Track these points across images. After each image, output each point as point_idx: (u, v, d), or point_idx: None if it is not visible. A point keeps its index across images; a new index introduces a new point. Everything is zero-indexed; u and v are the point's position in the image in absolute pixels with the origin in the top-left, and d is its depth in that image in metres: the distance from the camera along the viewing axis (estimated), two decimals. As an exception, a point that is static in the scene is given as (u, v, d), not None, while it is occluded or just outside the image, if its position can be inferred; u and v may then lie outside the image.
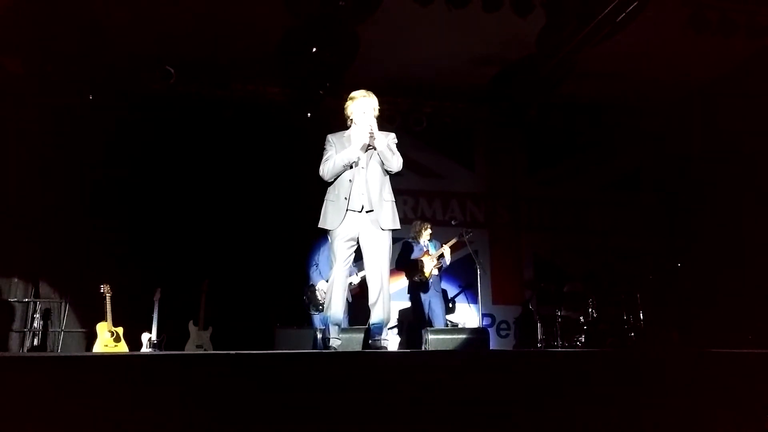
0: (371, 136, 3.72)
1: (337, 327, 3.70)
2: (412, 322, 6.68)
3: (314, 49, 6.49)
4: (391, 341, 5.69)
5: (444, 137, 8.37)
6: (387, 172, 3.82)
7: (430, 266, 6.36)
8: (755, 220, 7.13)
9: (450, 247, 6.41)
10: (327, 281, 5.60)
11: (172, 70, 7.02)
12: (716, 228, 7.61)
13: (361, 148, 3.74)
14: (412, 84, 7.73)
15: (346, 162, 3.73)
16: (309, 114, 7.48)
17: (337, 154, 3.79)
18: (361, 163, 3.76)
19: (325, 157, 3.85)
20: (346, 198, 3.69)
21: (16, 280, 6.52)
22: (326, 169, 3.80)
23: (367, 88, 3.97)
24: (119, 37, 6.57)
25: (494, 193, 8.64)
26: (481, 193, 8.61)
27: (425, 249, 6.46)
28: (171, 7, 6.12)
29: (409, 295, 6.62)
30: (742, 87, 7.33)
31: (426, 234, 6.55)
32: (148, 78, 7.14)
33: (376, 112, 3.86)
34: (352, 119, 3.90)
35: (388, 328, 3.78)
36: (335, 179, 3.79)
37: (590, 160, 8.86)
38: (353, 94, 3.92)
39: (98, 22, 6.28)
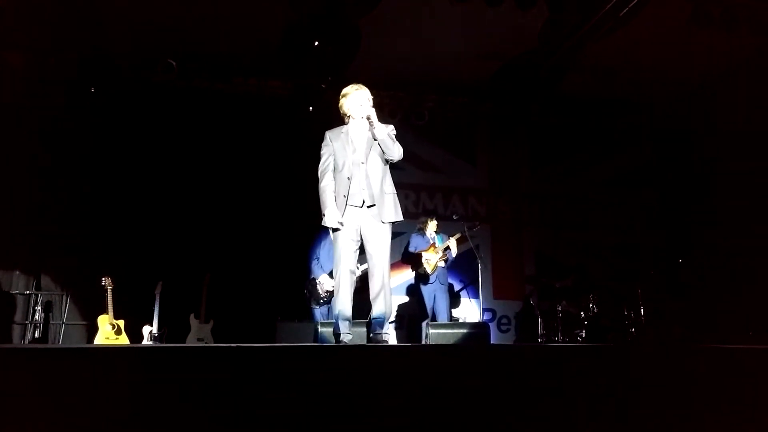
0: (371, 125, 3.72)
1: (347, 322, 3.70)
2: (413, 315, 6.69)
3: (316, 43, 6.49)
4: (390, 335, 5.69)
5: (446, 132, 8.34)
6: (387, 162, 3.82)
7: (434, 259, 6.37)
8: (755, 216, 7.11)
9: (456, 240, 6.43)
10: (329, 275, 5.65)
11: (174, 64, 7.01)
12: (717, 224, 7.61)
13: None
14: (414, 78, 7.71)
15: (327, 217, 3.72)
16: (311, 108, 7.48)
17: (334, 154, 3.81)
18: (361, 157, 3.76)
19: (322, 160, 3.87)
20: (344, 195, 3.70)
21: (17, 272, 6.52)
22: (320, 185, 3.84)
23: (369, 82, 3.96)
24: (121, 30, 6.56)
25: (496, 188, 8.63)
26: (482, 188, 8.60)
27: (431, 242, 6.48)
28: (173, 0, 6.11)
29: (413, 288, 6.62)
30: (745, 84, 7.30)
31: (432, 227, 6.56)
32: (150, 71, 7.14)
33: (371, 103, 3.85)
34: (349, 115, 3.89)
35: (389, 322, 3.78)
36: (335, 175, 3.81)
37: (592, 156, 8.83)
38: (345, 90, 3.92)
39: (100, 15, 6.26)
